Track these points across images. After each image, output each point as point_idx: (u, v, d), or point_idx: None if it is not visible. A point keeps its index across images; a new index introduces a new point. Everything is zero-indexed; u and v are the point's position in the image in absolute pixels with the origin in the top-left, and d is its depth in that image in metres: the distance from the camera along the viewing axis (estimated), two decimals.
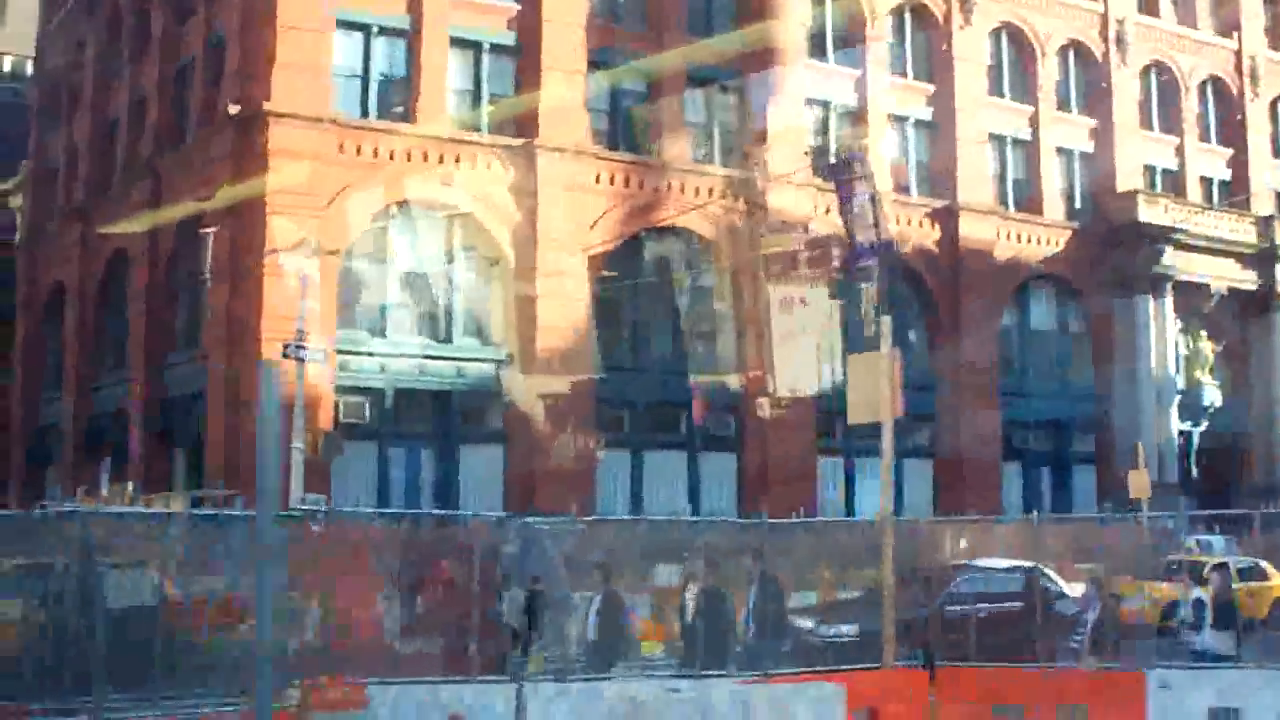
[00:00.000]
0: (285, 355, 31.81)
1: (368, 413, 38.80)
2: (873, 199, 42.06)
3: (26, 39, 65.07)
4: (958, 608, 23.70)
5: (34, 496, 50.08)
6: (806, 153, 44.85)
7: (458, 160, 40.14)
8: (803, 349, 39.87)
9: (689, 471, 43.31)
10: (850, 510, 44.46)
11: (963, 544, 28.98)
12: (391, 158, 39.34)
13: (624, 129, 43.23)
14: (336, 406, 38.10)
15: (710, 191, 43.56)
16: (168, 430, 41.94)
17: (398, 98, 40.28)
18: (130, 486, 37.87)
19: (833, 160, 41.82)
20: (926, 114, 48.34)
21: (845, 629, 24.05)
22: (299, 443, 32.64)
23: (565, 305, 40.60)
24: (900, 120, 47.93)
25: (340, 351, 38.23)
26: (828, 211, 44.16)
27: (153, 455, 42.01)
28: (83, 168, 48.58)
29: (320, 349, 33.27)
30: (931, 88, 48.49)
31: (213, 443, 38.03)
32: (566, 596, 27.47)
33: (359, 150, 38.95)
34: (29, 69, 65.69)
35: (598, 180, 41.72)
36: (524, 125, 41.01)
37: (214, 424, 37.97)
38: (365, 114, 39.70)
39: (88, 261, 47.21)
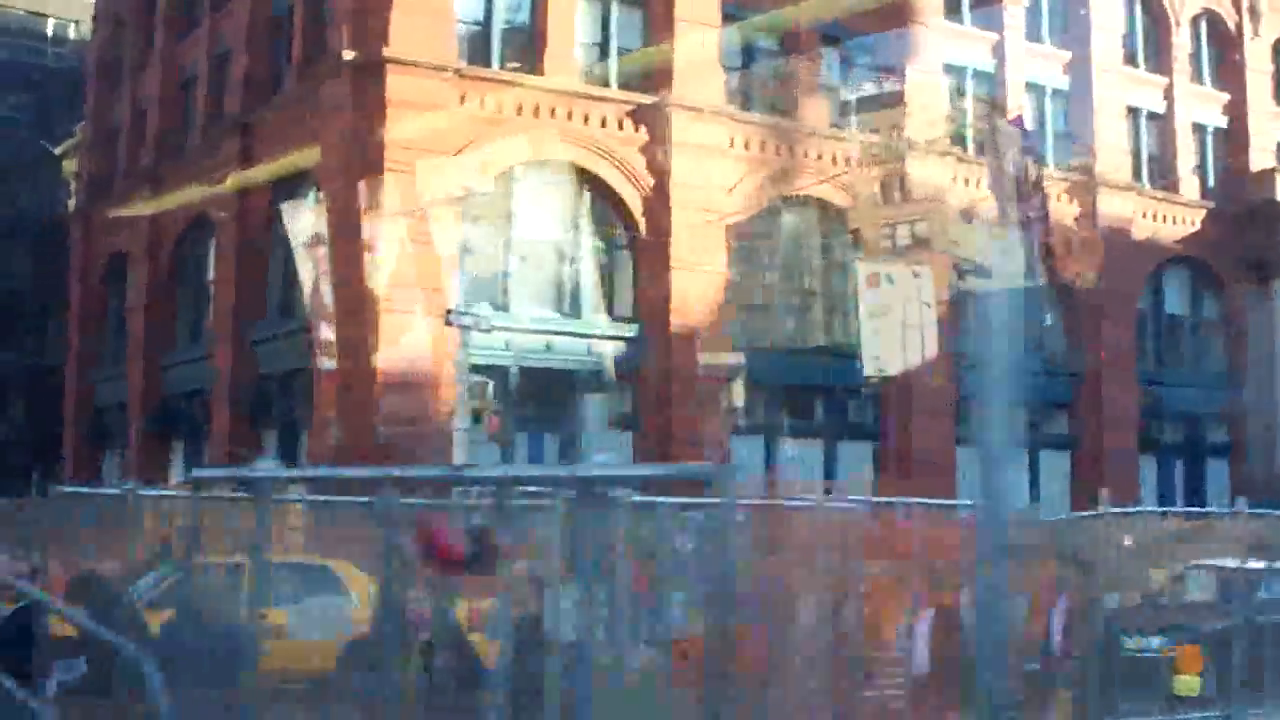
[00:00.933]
0: (449, 323, 27.36)
1: (491, 394, 34.36)
2: (1028, 170, 38.44)
3: (70, 1, 60.49)
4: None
5: (90, 483, 45.59)
6: (950, 119, 40.62)
7: (586, 119, 35.82)
8: (890, 328, 35.78)
9: (825, 461, 39.04)
10: None
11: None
12: (519, 113, 34.97)
13: (757, 89, 38.87)
14: (459, 387, 33.70)
15: (846, 159, 39.27)
16: (258, 409, 37.42)
17: (522, 49, 35.87)
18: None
19: (986, 126, 38.05)
20: (1063, 82, 44.15)
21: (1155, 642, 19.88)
22: (463, 422, 28.15)
23: (701, 278, 36.28)
24: (1037, 89, 43.68)
25: (462, 326, 33.85)
26: (966, 183, 40.39)
27: (241, 437, 37.43)
28: (151, 127, 43.95)
29: (486, 316, 28.84)
30: (1068, 54, 44.31)
31: (321, 421, 33.56)
32: None
33: (482, 103, 34.59)
34: (71, 32, 61.15)
35: (732, 144, 37.41)
36: (654, 82, 36.68)
37: (323, 401, 33.50)
38: (488, 65, 35.28)
39: (158, 228, 42.65)
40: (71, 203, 48.58)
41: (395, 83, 33.23)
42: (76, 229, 47.77)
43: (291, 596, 16.84)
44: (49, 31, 61.03)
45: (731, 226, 36.95)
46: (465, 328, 28.20)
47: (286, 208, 37.08)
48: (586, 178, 36.01)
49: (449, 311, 28.43)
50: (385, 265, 32.86)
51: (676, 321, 35.81)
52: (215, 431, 38.05)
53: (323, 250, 33.83)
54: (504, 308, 34.97)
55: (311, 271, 34.18)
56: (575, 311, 35.85)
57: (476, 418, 28.62)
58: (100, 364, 47.33)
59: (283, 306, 37.39)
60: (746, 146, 37.76)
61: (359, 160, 33.27)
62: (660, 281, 35.98)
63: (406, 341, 32.95)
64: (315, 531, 20.75)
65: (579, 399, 35.51)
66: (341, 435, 32.93)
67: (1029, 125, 40.69)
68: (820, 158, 38.95)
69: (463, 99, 34.24)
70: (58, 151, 49.20)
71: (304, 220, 34.92)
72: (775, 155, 38.19)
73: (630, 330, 36.23)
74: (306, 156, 34.70)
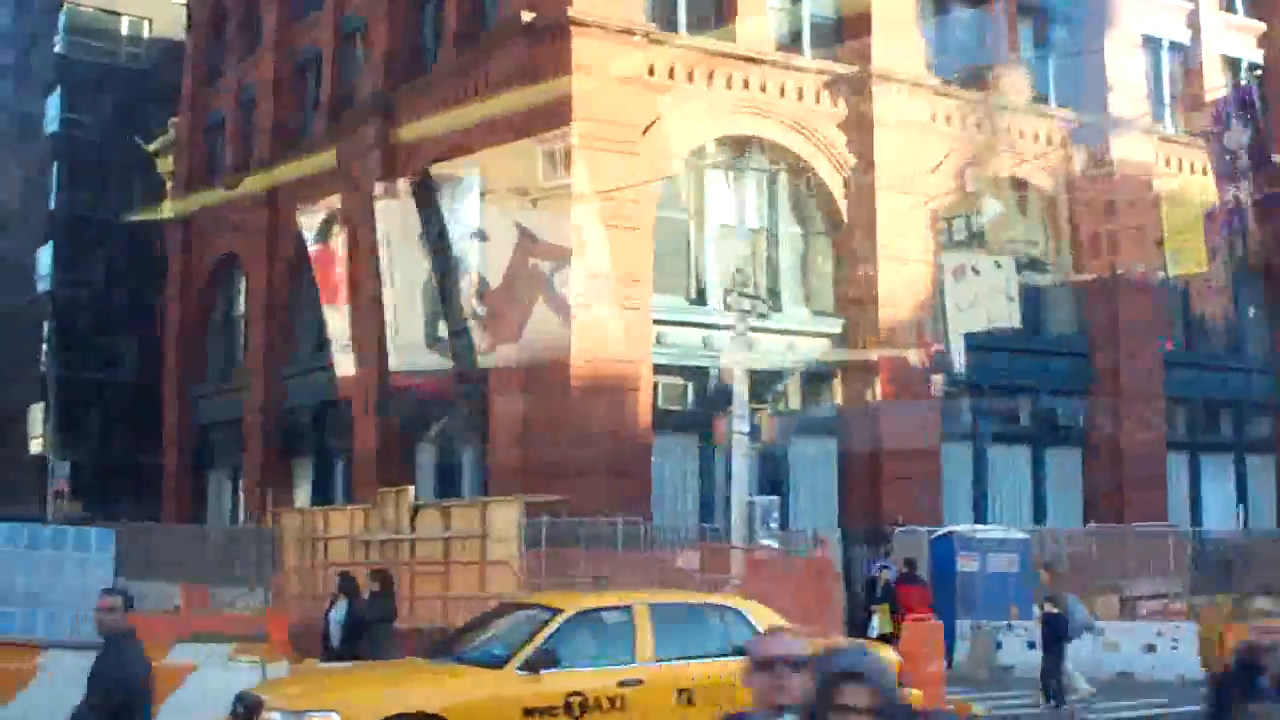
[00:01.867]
0: (728, 307, 22.80)
1: (689, 397, 29.80)
2: (1258, 145, 33.91)
3: (141, 1, 56.02)
4: None
5: (195, 507, 41.05)
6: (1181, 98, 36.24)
7: (782, 90, 31.34)
8: (976, 321, 31.32)
9: (1033, 469, 34.51)
10: (1196, 517, 35.81)
11: None
12: (709, 83, 30.48)
13: (955, 61, 34.37)
14: (656, 389, 29.16)
15: (1048, 138, 34.85)
16: (413, 421, 32.75)
17: (710, 13, 31.38)
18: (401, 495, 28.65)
19: (1211, 98, 33.62)
20: (1257, 56, 39.72)
21: None
22: (741, 425, 23.53)
23: (908, 267, 31.75)
24: (1232, 63, 39.24)
25: (656, 321, 29.39)
26: (1167, 163, 35.97)
27: (389, 455, 32.80)
28: (265, 115, 39.36)
29: (763, 299, 24.27)
30: (1262, 26, 39.91)
31: (504, 434, 28.94)
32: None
33: (671, 72, 30.11)
34: (146, 30, 56.62)
35: (933, 119, 32.92)
36: (851, 53, 32.20)
37: (505, 412, 28.89)
38: (674, 29, 30.79)
39: (276, 226, 38.01)
40: (167, 204, 43.81)
41: (581, 47, 28.75)
42: (175, 233, 43.09)
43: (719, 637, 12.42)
44: (123, 30, 56.44)
45: (936, 211, 32.41)
46: (744, 311, 23.53)
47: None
48: (782, 156, 31.51)
49: (727, 293, 23.78)
50: (577, 254, 28.33)
51: (885, 315, 31.27)
52: (360, 448, 33.34)
53: (502, 239, 29.23)
54: (700, 300, 30.46)
55: (478, 263, 29.56)
56: (775, 305, 31.26)
57: (754, 427, 23.80)
58: (203, 379, 42.66)
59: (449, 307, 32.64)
60: (948, 121, 33.29)
61: (540, 136, 28.73)
62: (864, 271, 31.45)
63: (602, 341, 28.42)
64: None
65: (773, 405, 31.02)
66: (527, 448, 28.35)
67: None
68: (1022, 136, 34.47)
69: (651, 69, 29.77)
70: (151, 149, 44.56)
71: (458, 208, 30.52)
72: (977, 132, 33.67)
73: (832, 325, 31.66)
74: (470, 135, 30.10)
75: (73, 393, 53.22)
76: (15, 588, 15.72)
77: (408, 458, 32.76)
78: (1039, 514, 33.80)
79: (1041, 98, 35.35)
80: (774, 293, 31.31)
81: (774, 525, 21.83)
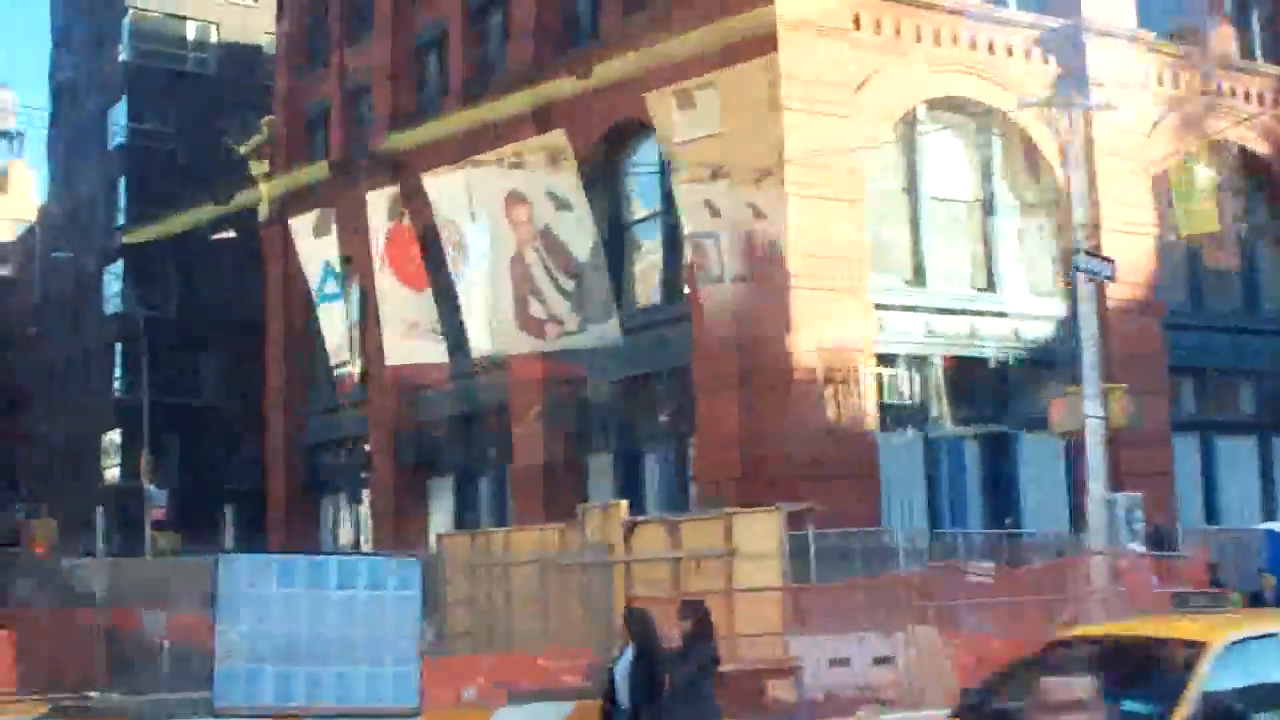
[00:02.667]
0: (1078, 268, 18.96)
1: (914, 389, 25.95)
2: None
3: (207, 5, 52.31)
4: None
5: (307, 534, 37.17)
6: None
7: (990, 46, 27.60)
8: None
9: (1260, 461, 30.69)
10: None
11: None
12: (917, 39, 26.76)
13: (1163, 17, 30.60)
14: (880, 381, 25.32)
15: (1259, 97, 31.16)
16: (588, 433, 28.86)
17: None
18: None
19: None
20: None
21: None
22: (1095, 409, 19.66)
23: (1133, 241, 27.96)
24: None
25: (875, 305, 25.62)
26: None
27: (556, 468, 28.91)
28: (382, 104, 35.52)
29: (1111, 262, 20.43)
30: None
31: (712, 435, 25.09)
32: None
33: (878, 26, 26.37)
34: (213, 35, 52.90)
35: (1150, 78, 29.22)
36: (1060, 7, 28.47)
37: (713, 409, 25.03)
38: None
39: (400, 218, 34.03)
40: (263, 208, 39.96)
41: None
42: (273, 238, 39.12)
43: None
44: (189, 35, 52.66)
45: (1158, 178, 28.68)
46: (1094, 275, 19.63)
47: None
48: (998, 120, 27.74)
49: (1076, 252, 19.92)
50: (795, 230, 24.56)
51: (1116, 295, 27.44)
52: (522, 463, 29.39)
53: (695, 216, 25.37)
54: (920, 281, 26.67)
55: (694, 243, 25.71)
56: (993, 286, 27.50)
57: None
58: (306, 396, 38.73)
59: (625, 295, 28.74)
60: (1160, 81, 29.60)
61: (742, 98, 24.96)
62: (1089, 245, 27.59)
63: (822, 327, 24.62)
64: None
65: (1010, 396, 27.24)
66: (735, 450, 24.50)
67: None
68: (1233, 94, 30.78)
69: (856, 21, 26.04)
70: (244, 150, 40.76)
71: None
72: (1192, 91, 29.96)
73: (1058, 309, 27.85)
74: (657, 101, 26.23)
75: (137, 417, 49.41)
76: (304, 638, 11.83)
77: (570, 469, 28.90)
78: (1268, 509, 29.96)
79: (1250, 56, 31.69)
80: (992, 273, 27.55)
81: (1138, 526, 17.91)
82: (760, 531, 20.69)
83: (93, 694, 23.92)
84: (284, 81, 40.32)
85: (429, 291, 28.15)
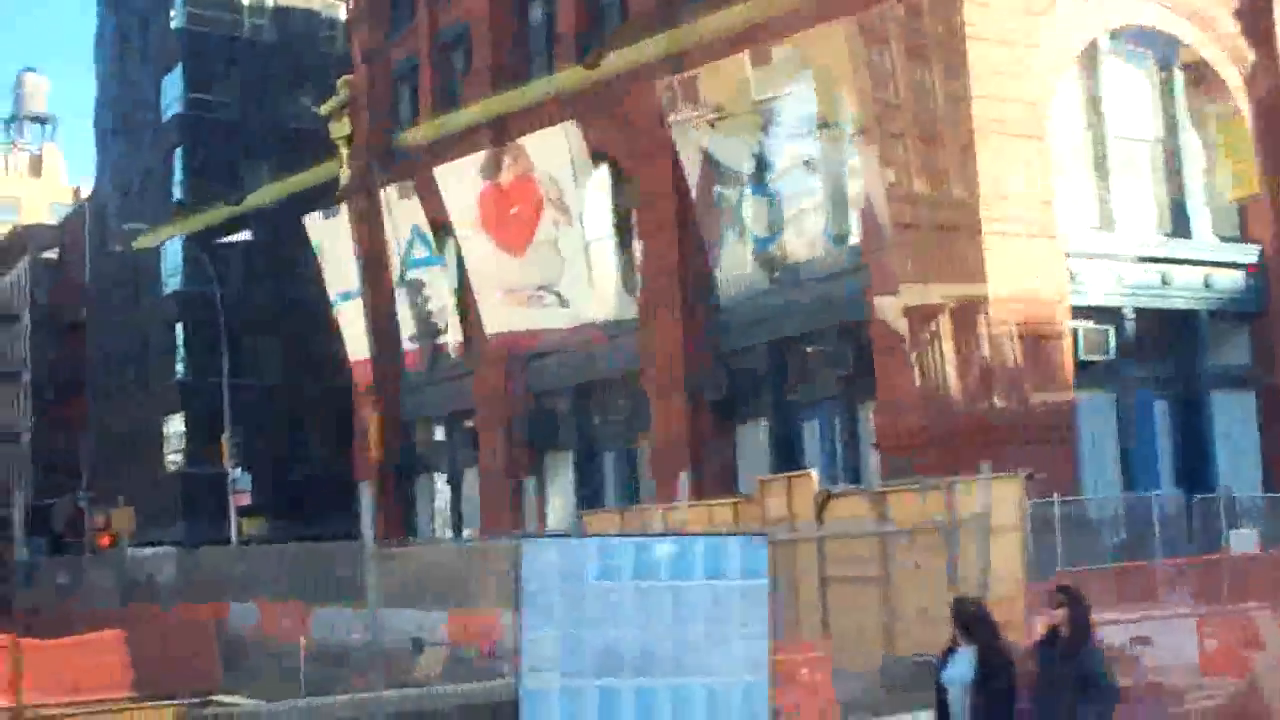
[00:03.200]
0: None
1: (1111, 345, 23.28)
2: None
3: None
4: None
5: (404, 517, 34.65)
6: None
7: None
8: None
9: None
10: None
11: None
12: None
13: None
14: (1075, 336, 22.67)
15: None
16: (734, 397, 26.24)
17: None
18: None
19: None
20: None
21: None
22: None
23: None
24: None
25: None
26: None
27: (698, 440, 26.32)
28: (480, 56, 32.81)
29: None
30: None
31: (898, 396, 22.48)
32: None
33: None
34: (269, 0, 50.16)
35: None
36: None
37: (892, 365, 22.42)
38: None
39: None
40: (344, 172, 37.26)
41: None
42: (358, 205, 36.35)
43: None
44: (244, 0, 49.87)
45: None
46: None
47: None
48: (1178, 52, 25.06)
49: None
50: (984, 171, 21.91)
51: None
52: (662, 438, 26.78)
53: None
54: (1109, 226, 24.03)
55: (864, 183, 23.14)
56: (1185, 231, 24.82)
57: None
58: (398, 371, 36.05)
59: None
60: None
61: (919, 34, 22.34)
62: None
63: (1017, 276, 22.01)
64: None
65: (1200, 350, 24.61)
66: (928, 409, 21.90)
67: None
68: None
69: None
70: (323, 111, 38.01)
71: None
72: None
73: (1246, 253, 25.18)
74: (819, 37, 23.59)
75: (211, 400, 46.81)
76: (631, 644, 9.26)
77: (718, 441, 26.31)
78: None
79: None
80: (1180, 218, 24.88)
81: None
82: (998, 499, 18.04)
83: (223, 698, 21.46)
84: (364, 38, 37.59)
85: (531, 254, 25.71)
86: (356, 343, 33.38)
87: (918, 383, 22.01)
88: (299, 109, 45.50)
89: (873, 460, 23.52)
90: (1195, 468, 24.15)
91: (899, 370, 22.27)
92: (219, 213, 40.38)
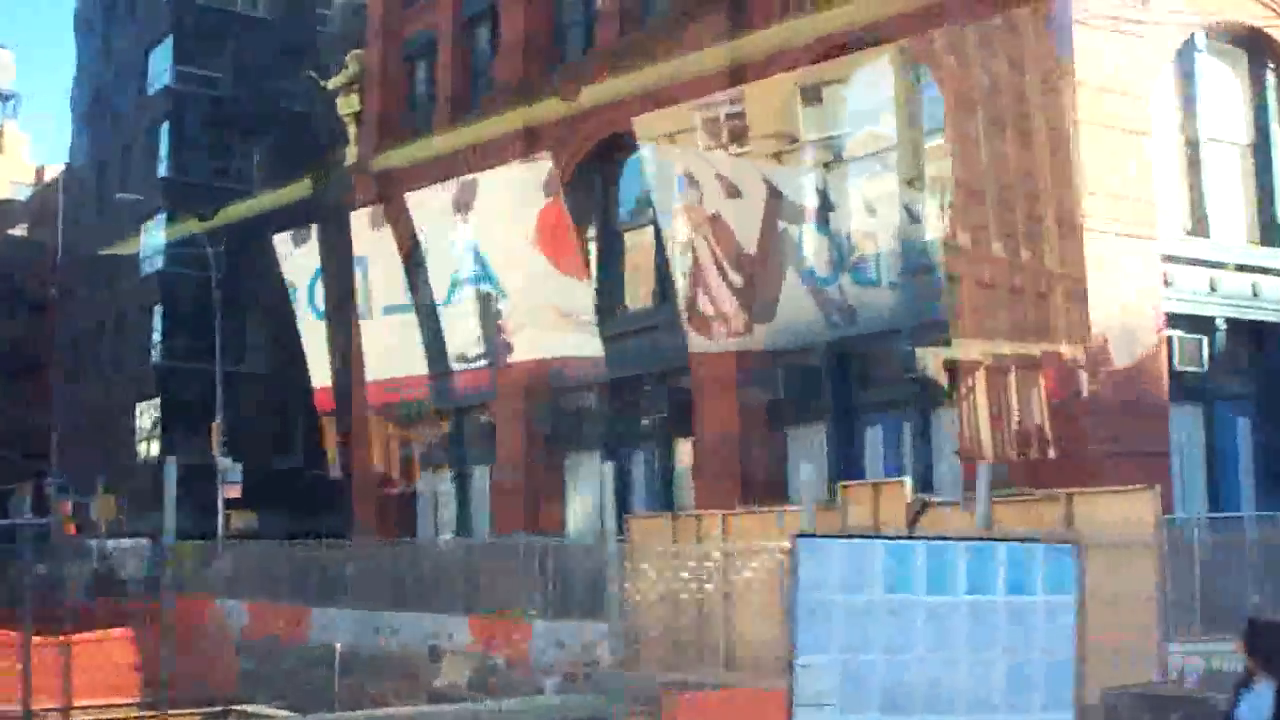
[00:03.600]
0: None
1: (1204, 356, 21.74)
2: None
3: None
4: None
5: (403, 516, 32.64)
6: None
7: None
8: None
9: None
10: None
11: None
12: None
13: None
14: (1170, 345, 21.11)
15: None
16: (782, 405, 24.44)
17: None
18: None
19: None
20: None
21: None
22: None
23: None
24: None
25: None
26: None
27: (760, 446, 24.54)
28: (512, 30, 30.85)
29: None
30: None
31: (972, 406, 20.76)
32: None
33: None
34: None
35: None
36: None
37: (974, 381, 20.71)
38: None
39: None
40: (352, 151, 35.19)
41: None
42: (367, 187, 34.16)
43: None
44: None
45: None
46: None
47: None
48: (1271, 51, 23.62)
49: None
50: (1086, 164, 20.32)
51: None
52: (708, 438, 24.95)
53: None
54: (1203, 231, 22.51)
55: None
56: (1273, 240, 23.36)
57: None
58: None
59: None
60: None
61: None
62: None
63: (1113, 279, 20.44)
64: None
65: None
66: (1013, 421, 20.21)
67: None
68: None
69: None
70: (331, 85, 35.93)
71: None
72: None
73: None
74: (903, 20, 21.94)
75: (189, 386, 44.54)
76: (921, 672, 7.51)
77: (765, 444, 24.53)
78: None
79: None
80: (1271, 225, 23.41)
81: None
82: (1124, 513, 16.41)
83: (252, 708, 19.40)
84: (380, 8, 35.45)
85: (588, 280, 23.97)
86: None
87: (1002, 388, 20.34)
88: (296, 88, 43.46)
89: (944, 469, 21.88)
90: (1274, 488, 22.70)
91: (980, 374, 20.58)
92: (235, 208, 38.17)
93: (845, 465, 23.43)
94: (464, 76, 32.71)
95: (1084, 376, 19.89)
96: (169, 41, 46.19)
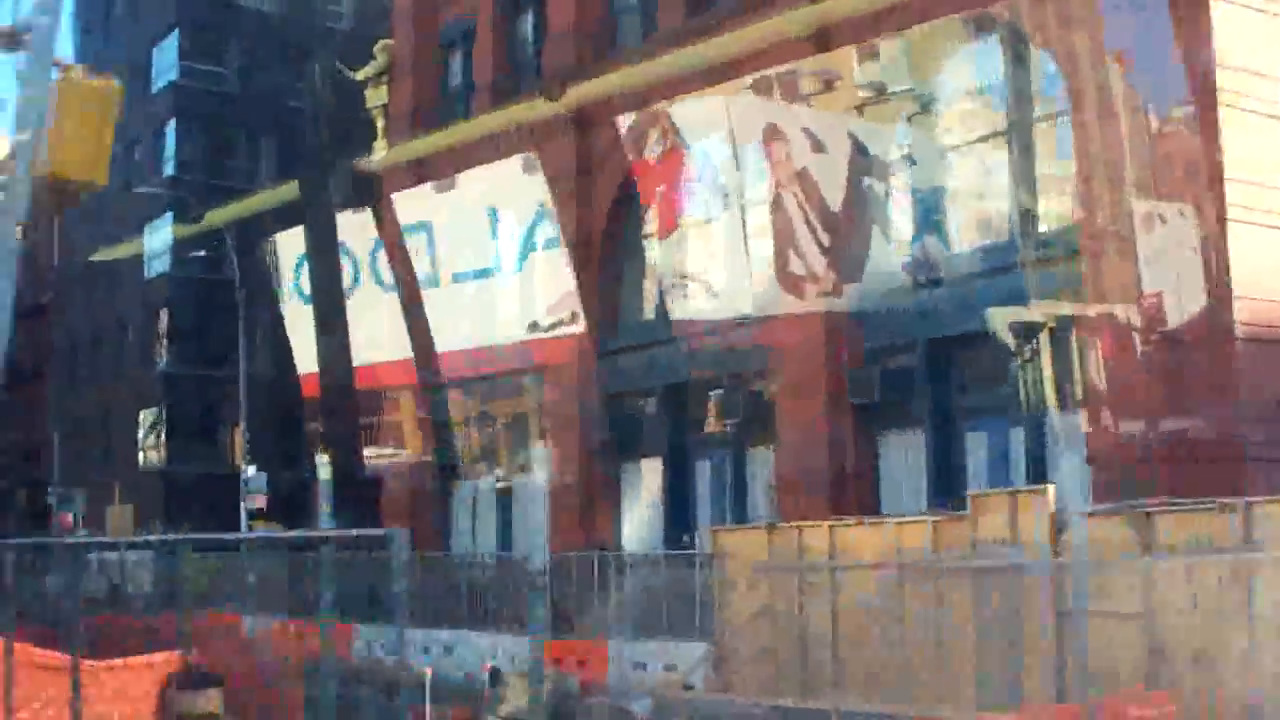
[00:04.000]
0: None
1: None
2: None
3: None
4: None
5: (437, 525, 30.77)
6: None
7: None
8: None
9: None
10: None
11: None
12: None
13: None
14: None
15: None
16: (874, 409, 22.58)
17: None
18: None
19: None
20: None
21: None
22: None
23: None
24: None
25: None
26: None
27: (851, 453, 22.68)
28: (559, 14, 28.96)
29: None
30: None
31: (1112, 402, 19.02)
32: None
33: None
34: None
35: None
36: None
37: (1116, 358, 19.02)
38: None
39: (589, 151, 27.53)
40: (381, 144, 33.16)
41: None
42: (398, 181, 32.11)
43: None
44: None
45: None
46: None
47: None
48: None
49: None
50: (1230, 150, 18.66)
51: None
52: (791, 444, 23.07)
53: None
54: None
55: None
56: None
57: None
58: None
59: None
60: None
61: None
62: None
63: (1260, 271, 18.73)
64: None
65: None
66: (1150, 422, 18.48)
67: None
68: None
69: None
70: (360, 76, 33.89)
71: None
72: None
73: None
74: None
75: (196, 393, 42.45)
76: None
77: (856, 451, 22.67)
78: None
79: None
80: None
81: None
82: None
83: None
84: None
85: (677, 238, 22.15)
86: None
87: (1139, 389, 18.62)
88: (306, 85, 41.43)
89: (1069, 476, 20.02)
90: None
91: (1127, 369, 18.83)
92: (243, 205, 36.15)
93: (945, 473, 21.62)
94: (503, 63, 30.81)
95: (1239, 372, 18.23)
96: (174, 37, 44.06)
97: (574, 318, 24.64)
